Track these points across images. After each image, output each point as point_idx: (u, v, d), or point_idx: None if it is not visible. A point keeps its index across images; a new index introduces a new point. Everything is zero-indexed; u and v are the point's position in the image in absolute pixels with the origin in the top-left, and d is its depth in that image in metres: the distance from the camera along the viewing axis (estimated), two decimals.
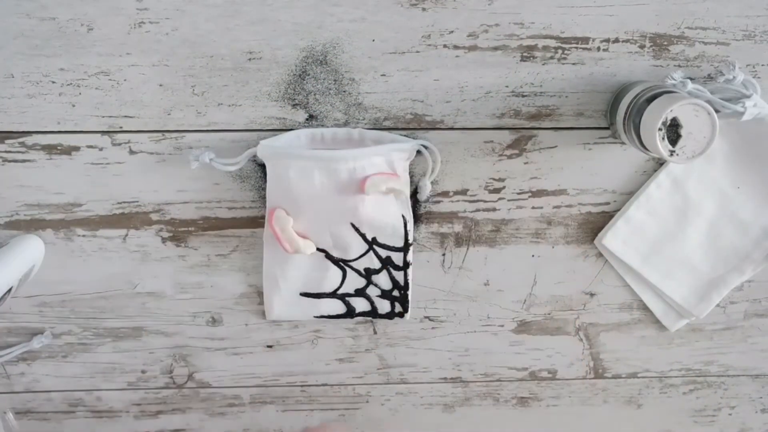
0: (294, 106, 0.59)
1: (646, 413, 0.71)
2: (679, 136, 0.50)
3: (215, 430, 0.70)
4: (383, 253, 0.61)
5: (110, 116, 0.59)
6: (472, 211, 0.63)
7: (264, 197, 0.61)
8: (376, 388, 0.69)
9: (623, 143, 0.59)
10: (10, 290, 0.56)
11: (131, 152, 0.60)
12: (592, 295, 0.66)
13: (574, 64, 0.59)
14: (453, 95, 0.59)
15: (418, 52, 0.58)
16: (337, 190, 0.57)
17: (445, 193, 0.62)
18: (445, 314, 0.66)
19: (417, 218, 0.63)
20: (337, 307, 0.63)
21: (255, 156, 0.58)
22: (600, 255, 0.65)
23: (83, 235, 0.62)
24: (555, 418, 0.71)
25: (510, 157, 0.61)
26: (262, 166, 0.60)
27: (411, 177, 0.61)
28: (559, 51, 0.58)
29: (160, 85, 0.58)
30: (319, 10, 0.56)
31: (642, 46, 0.59)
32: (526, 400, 0.70)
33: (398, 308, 0.64)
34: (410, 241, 0.61)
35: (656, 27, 0.58)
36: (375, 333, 0.66)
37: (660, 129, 0.50)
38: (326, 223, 0.59)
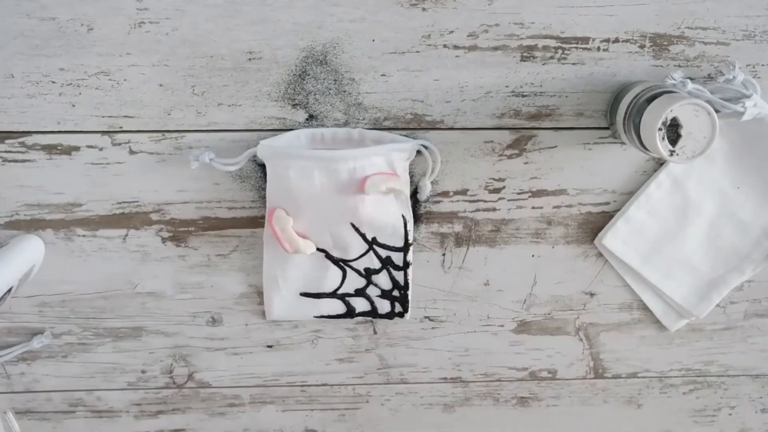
0: (294, 106, 0.59)
1: (646, 413, 0.71)
2: (679, 136, 0.50)
3: (215, 430, 0.70)
4: (383, 253, 0.61)
5: (110, 116, 0.59)
6: (472, 211, 0.63)
7: (264, 197, 0.61)
8: (376, 388, 0.69)
9: (623, 143, 0.59)
10: (10, 290, 0.56)
11: (131, 152, 0.60)
12: (592, 295, 0.66)
13: (574, 64, 0.59)
14: (453, 95, 0.59)
15: (418, 52, 0.58)
16: (337, 190, 0.57)
17: (445, 193, 0.62)
18: (445, 314, 0.66)
19: (417, 218, 0.63)
20: (337, 307, 0.63)
21: (255, 156, 0.58)
22: (600, 255, 0.65)
23: (83, 235, 0.62)
24: (555, 418, 0.71)
25: (510, 157, 0.61)
26: (262, 166, 0.60)
27: (411, 177, 0.61)
28: (559, 51, 0.58)
29: (160, 85, 0.58)
30: (319, 10, 0.56)
31: (642, 46, 0.59)
32: (526, 400, 0.70)
33: (398, 308, 0.64)
34: (410, 241, 0.61)
35: (656, 27, 0.58)
36: (375, 333, 0.66)
37: (660, 129, 0.50)
38: (326, 223, 0.59)
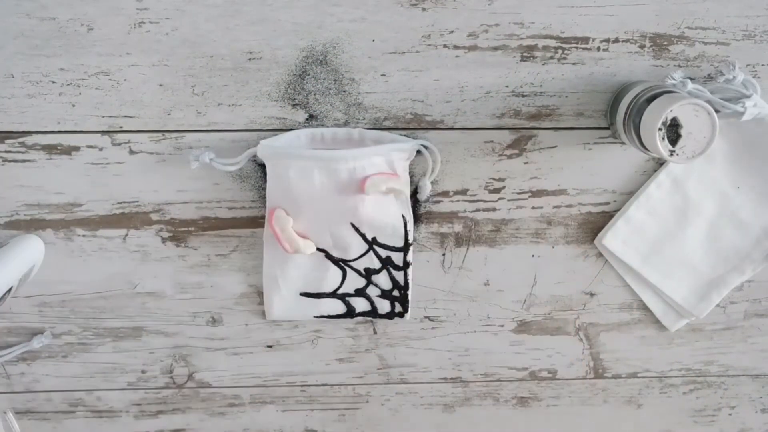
0: (294, 106, 0.59)
1: (646, 413, 0.71)
2: (679, 136, 0.50)
3: (215, 430, 0.70)
4: (383, 253, 0.61)
5: (110, 116, 0.59)
6: (472, 211, 0.63)
7: (264, 197, 0.61)
8: (376, 388, 0.69)
9: (623, 143, 0.59)
10: (10, 290, 0.56)
11: (131, 152, 0.60)
12: (592, 295, 0.66)
13: (574, 64, 0.59)
14: (453, 95, 0.59)
15: (418, 52, 0.58)
16: (337, 190, 0.57)
17: (445, 193, 0.62)
18: (445, 314, 0.66)
19: (417, 218, 0.63)
20: (337, 307, 0.63)
21: (255, 156, 0.58)
22: (600, 255, 0.65)
23: (83, 235, 0.62)
24: (555, 418, 0.71)
25: (510, 157, 0.61)
26: (262, 166, 0.60)
27: (411, 177, 0.61)
28: (559, 51, 0.58)
29: (160, 85, 0.58)
30: (319, 10, 0.56)
31: (642, 46, 0.59)
32: (526, 400, 0.70)
33: (398, 308, 0.64)
34: (410, 241, 0.61)
35: (656, 27, 0.58)
36: (375, 333, 0.66)
37: (660, 129, 0.50)
38: (326, 223, 0.59)
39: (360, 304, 0.63)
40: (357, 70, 0.58)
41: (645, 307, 0.66)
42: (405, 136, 0.60)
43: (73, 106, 0.58)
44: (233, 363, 0.67)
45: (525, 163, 0.62)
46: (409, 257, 0.62)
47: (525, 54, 0.58)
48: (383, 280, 0.62)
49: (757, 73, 0.60)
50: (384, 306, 0.63)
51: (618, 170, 0.62)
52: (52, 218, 0.61)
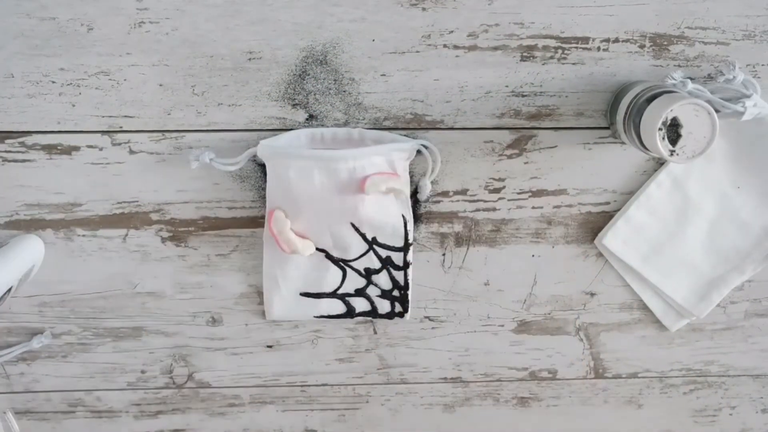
0: (294, 106, 0.59)
1: (647, 413, 0.71)
2: (679, 135, 0.50)
3: (215, 430, 0.70)
4: (383, 252, 0.61)
5: (110, 116, 0.59)
6: (472, 211, 0.63)
7: (264, 197, 0.61)
8: (376, 388, 0.69)
9: (623, 143, 0.59)
10: (10, 290, 0.56)
11: (131, 152, 0.60)
12: (592, 295, 0.66)
13: (574, 64, 0.59)
14: (453, 95, 0.59)
15: (418, 52, 0.58)
16: (337, 189, 0.57)
17: (445, 193, 0.62)
18: (445, 314, 0.66)
19: (417, 218, 0.63)
20: (337, 307, 0.63)
21: (255, 156, 0.58)
22: (600, 255, 0.65)
23: (83, 235, 0.62)
24: (555, 418, 0.71)
25: (510, 157, 0.61)
26: (262, 166, 0.60)
27: (411, 177, 0.61)
28: (559, 51, 0.58)
29: (160, 85, 0.58)
30: (319, 10, 0.56)
31: (642, 46, 0.59)
32: (526, 400, 0.70)
33: (398, 308, 0.64)
34: (410, 241, 0.61)
35: (656, 27, 0.58)
36: (375, 333, 0.66)
37: (660, 129, 0.50)
38: (326, 222, 0.59)
39: (360, 304, 0.63)
40: (357, 70, 0.58)
41: (645, 307, 0.66)
42: (405, 136, 0.60)
43: (73, 106, 0.58)
44: (233, 363, 0.67)
45: (525, 163, 0.62)
46: (409, 257, 0.62)
47: (525, 54, 0.58)
48: (383, 280, 0.62)
49: (757, 73, 0.60)
50: (384, 306, 0.63)
51: (618, 170, 0.62)
52: (52, 218, 0.61)
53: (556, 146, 0.61)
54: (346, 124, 0.60)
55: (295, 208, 0.59)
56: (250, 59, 0.57)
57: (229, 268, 0.64)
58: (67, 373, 0.66)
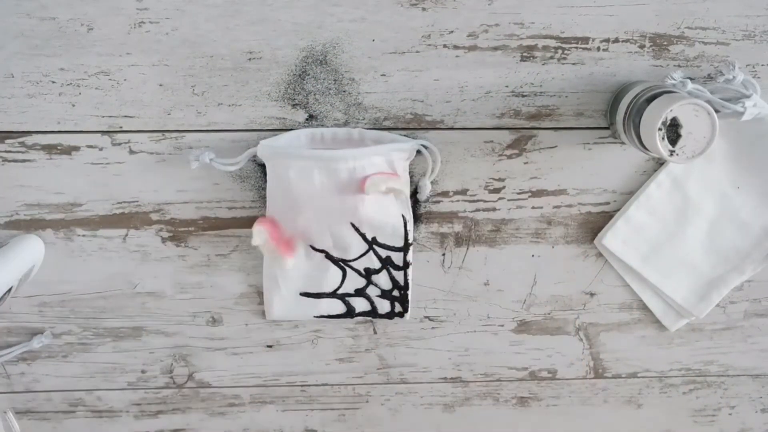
0: (294, 106, 0.59)
1: (646, 413, 0.71)
2: (679, 136, 0.50)
3: (215, 430, 0.70)
4: (383, 252, 0.61)
5: (110, 116, 0.59)
6: (472, 211, 0.63)
7: (264, 197, 0.61)
8: (376, 388, 0.69)
9: (623, 143, 0.59)
10: (10, 290, 0.56)
11: (131, 152, 0.60)
12: (592, 295, 0.66)
13: (574, 64, 0.59)
14: (453, 95, 0.59)
15: (418, 52, 0.58)
16: (337, 189, 0.57)
17: (445, 193, 0.62)
18: (445, 314, 0.66)
19: (417, 218, 0.63)
20: (337, 307, 0.63)
21: (255, 156, 0.58)
22: (600, 255, 0.65)
23: (83, 235, 0.62)
24: (555, 418, 0.71)
25: (510, 157, 0.61)
26: (262, 166, 0.60)
27: (411, 177, 0.61)
28: (559, 51, 0.58)
29: (160, 85, 0.58)
30: (319, 10, 0.56)
31: (642, 46, 0.59)
32: (526, 400, 0.70)
33: (398, 308, 0.64)
34: (410, 241, 0.61)
35: (656, 27, 0.58)
36: (375, 333, 0.66)
37: (660, 129, 0.50)
38: (326, 222, 0.59)
39: (360, 304, 0.63)
40: (357, 70, 0.58)
41: (645, 307, 0.66)
42: (405, 136, 0.60)
43: (73, 106, 0.58)
44: (233, 363, 0.67)
45: (525, 163, 0.62)
46: (409, 257, 0.62)
47: (525, 54, 0.58)
48: (383, 280, 0.62)
49: (757, 73, 0.60)
50: (384, 306, 0.63)
51: (618, 170, 0.62)
52: (52, 218, 0.61)
53: (556, 146, 0.61)
54: (346, 124, 0.60)
55: (295, 208, 0.59)
56: (250, 59, 0.57)
57: (229, 268, 0.64)
58: (68, 372, 0.66)
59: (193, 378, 0.67)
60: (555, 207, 0.63)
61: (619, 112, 0.57)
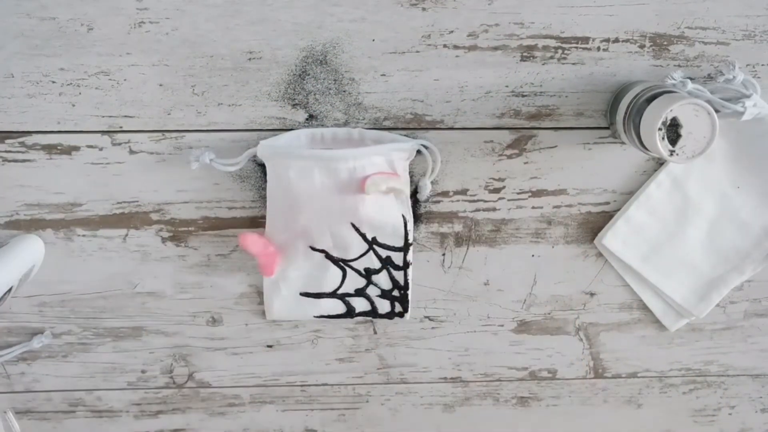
0: (294, 106, 0.59)
1: (646, 413, 0.71)
2: (679, 135, 0.50)
3: (215, 430, 0.70)
4: (383, 252, 0.61)
5: (110, 116, 0.59)
6: (472, 211, 0.63)
7: (264, 197, 0.61)
8: (376, 388, 0.69)
9: (623, 143, 0.59)
10: (10, 290, 0.56)
11: (131, 152, 0.60)
12: (592, 294, 0.66)
13: (574, 64, 0.59)
14: (453, 95, 0.59)
15: (418, 52, 0.58)
16: (337, 189, 0.57)
17: (445, 193, 0.62)
18: (445, 314, 0.66)
19: (417, 218, 0.63)
20: (337, 307, 0.63)
21: (255, 156, 0.58)
22: (600, 255, 0.65)
23: (83, 235, 0.62)
24: (555, 418, 0.71)
25: (510, 157, 0.61)
26: (262, 166, 0.60)
27: (411, 177, 0.61)
28: (559, 51, 0.58)
29: (160, 85, 0.58)
30: (319, 10, 0.56)
31: (642, 46, 0.59)
32: (526, 400, 0.70)
33: (398, 308, 0.64)
34: (410, 241, 0.61)
35: (656, 27, 0.58)
36: (375, 333, 0.66)
37: (660, 129, 0.50)
38: (326, 222, 0.59)
39: (360, 304, 0.63)
40: (357, 70, 0.58)
41: (645, 307, 0.66)
42: (405, 135, 0.60)
43: (73, 106, 0.58)
44: (233, 363, 0.67)
45: (525, 163, 0.62)
46: (409, 257, 0.62)
47: (525, 54, 0.58)
48: (383, 280, 0.62)
49: (757, 73, 0.60)
50: (384, 306, 0.63)
51: (618, 170, 0.62)
52: (52, 218, 0.61)
53: (556, 146, 0.61)
54: (346, 124, 0.60)
55: (295, 208, 0.59)
56: (250, 59, 0.57)
57: (229, 268, 0.64)
58: (68, 372, 0.66)
59: (193, 378, 0.67)
60: (555, 207, 0.63)
61: (619, 112, 0.57)
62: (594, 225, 0.64)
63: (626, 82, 0.59)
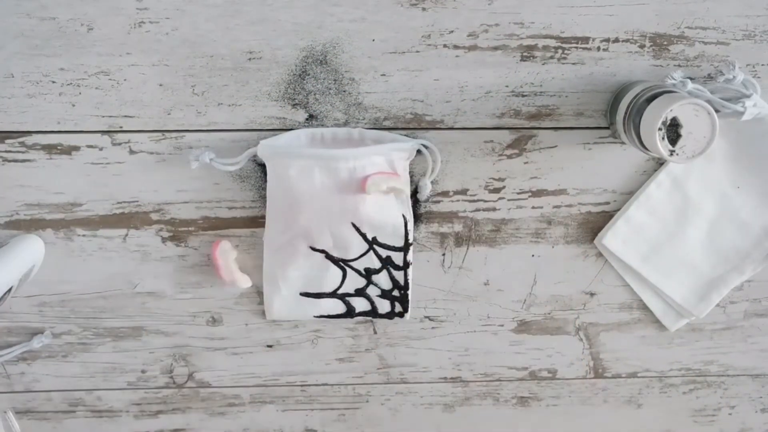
0: (294, 105, 0.59)
1: (646, 413, 0.71)
2: (679, 135, 0.50)
3: (215, 430, 0.70)
4: (383, 252, 0.61)
5: (110, 116, 0.59)
6: (472, 211, 0.63)
7: (264, 197, 0.61)
8: (376, 387, 0.69)
9: (623, 143, 0.59)
10: (10, 290, 0.56)
11: (131, 152, 0.60)
12: (592, 294, 0.66)
13: (574, 64, 0.59)
14: (453, 95, 0.59)
15: (418, 52, 0.58)
16: (337, 189, 0.57)
17: (445, 193, 0.62)
18: (445, 314, 0.66)
19: (417, 218, 0.63)
20: (337, 306, 0.63)
21: (255, 156, 0.58)
22: (600, 255, 0.65)
23: (83, 235, 0.62)
24: (555, 418, 0.71)
25: (510, 156, 0.61)
26: (262, 166, 0.60)
27: (411, 176, 0.61)
28: (559, 51, 0.58)
29: (160, 85, 0.58)
30: (319, 10, 0.56)
31: (642, 46, 0.59)
32: (526, 399, 0.70)
33: (398, 308, 0.64)
34: (410, 241, 0.61)
35: (656, 27, 0.58)
36: (375, 333, 0.66)
37: (660, 129, 0.50)
38: (327, 222, 0.59)
39: (360, 304, 0.63)
40: (357, 70, 0.58)
41: (645, 307, 0.66)
42: (405, 135, 0.60)
43: (73, 105, 0.58)
44: (233, 363, 0.67)
45: (525, 163, 0.62)
46: (409, 257, 0.62)
47: (525, 54, 0.58)
48: (383, 279, 0.62)
49: (757, 73, 0.60)
50: (384, 306, 0.63)
51: (618, 170, 0.62)
52: (52, 218, 0.61)
53: (556, 146, 0.61)
54: (346, 124, 0.60)
55: (295, 208, 0.59)
56: (250, 59, 0.57)
57: None
58: (68, 372, 0.66)
59: (193, 378, 0.67)
60: (555, 207, 0.63)
61: (619, 112, 0.57)
62: (594, 225, 0.64)
63: (626, 82, 0.59)
